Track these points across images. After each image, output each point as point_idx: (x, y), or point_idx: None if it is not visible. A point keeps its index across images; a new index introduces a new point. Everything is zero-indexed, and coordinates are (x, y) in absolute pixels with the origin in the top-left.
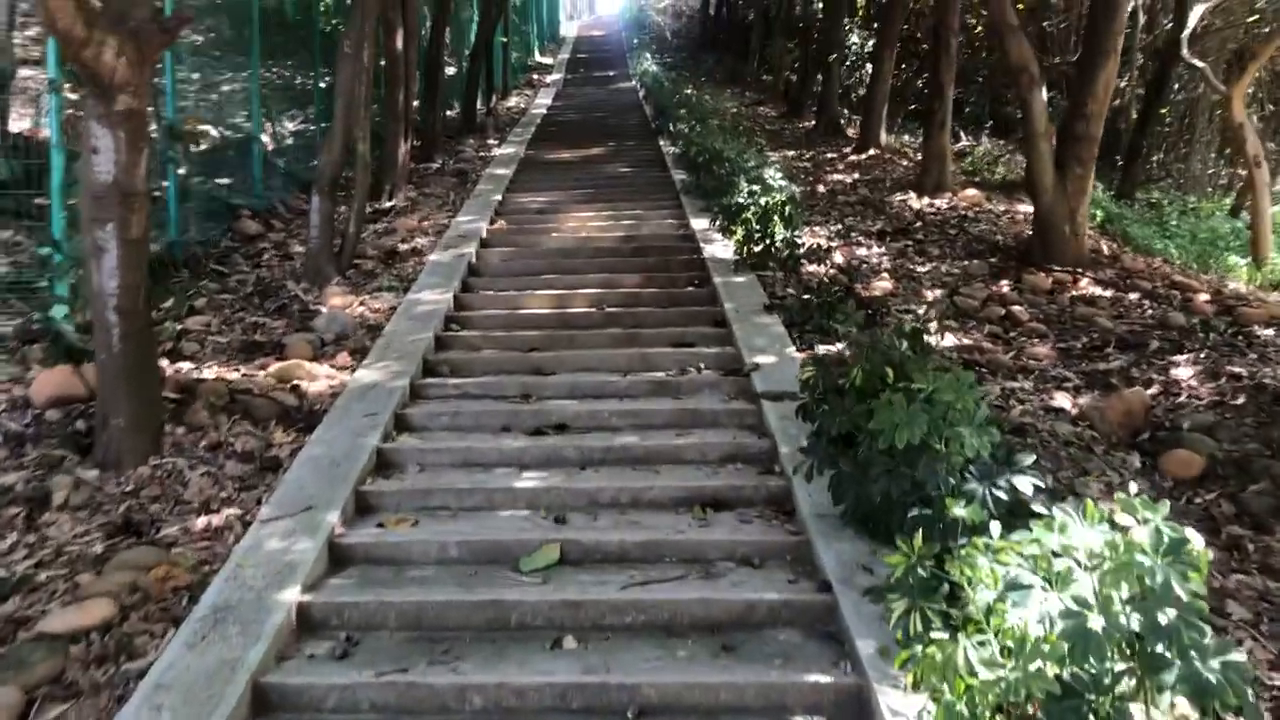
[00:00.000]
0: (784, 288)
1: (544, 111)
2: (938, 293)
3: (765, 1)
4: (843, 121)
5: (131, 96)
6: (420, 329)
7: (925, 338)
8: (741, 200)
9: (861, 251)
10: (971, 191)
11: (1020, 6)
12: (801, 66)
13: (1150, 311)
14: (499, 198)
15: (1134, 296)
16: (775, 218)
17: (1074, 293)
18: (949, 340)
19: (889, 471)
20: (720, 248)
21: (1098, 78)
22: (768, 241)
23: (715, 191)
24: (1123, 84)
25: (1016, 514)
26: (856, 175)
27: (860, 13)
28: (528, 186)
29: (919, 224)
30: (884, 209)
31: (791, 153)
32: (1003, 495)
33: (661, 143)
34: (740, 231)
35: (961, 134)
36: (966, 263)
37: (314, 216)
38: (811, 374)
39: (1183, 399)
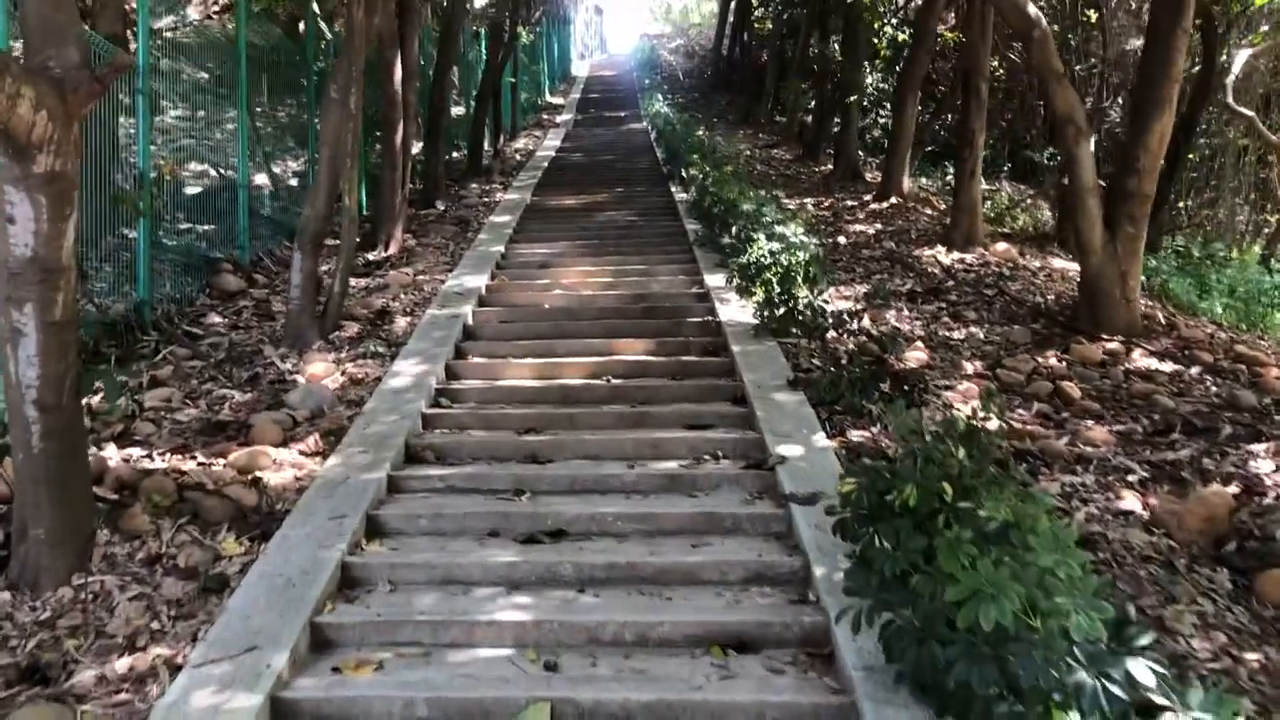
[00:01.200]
0: (809, 357)
1: (552, 154)
2: (978, 364)
3: (780, 43)
4: (861, 166)
5: (54, 156)
6: (405, 404)
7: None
8: (762, 259)
9: (890, 315)
10: (1003, 246)
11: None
12: (817, 109)
13: (1215, 389)
14: (500, 249)
15: (1195, 371)
16: (798, 278)
17: (1128, 365)
18: (994, 424)
19: (968, 654)
20: (737, 309)
21: (1151, 129)
22: (790, 305)
23: (732, 249)
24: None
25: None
26: (879, 226)
27: (882, 54)
28: (531, 236)
29: (951, 282)
30: (912, 265)
31: (809, 200)
32: (1119, 692)
33: (673, 188)
34: (760, 293)
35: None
36: (1007, 328)
37: (295, 275)
38: (852, 487)
39: (1270, 499)
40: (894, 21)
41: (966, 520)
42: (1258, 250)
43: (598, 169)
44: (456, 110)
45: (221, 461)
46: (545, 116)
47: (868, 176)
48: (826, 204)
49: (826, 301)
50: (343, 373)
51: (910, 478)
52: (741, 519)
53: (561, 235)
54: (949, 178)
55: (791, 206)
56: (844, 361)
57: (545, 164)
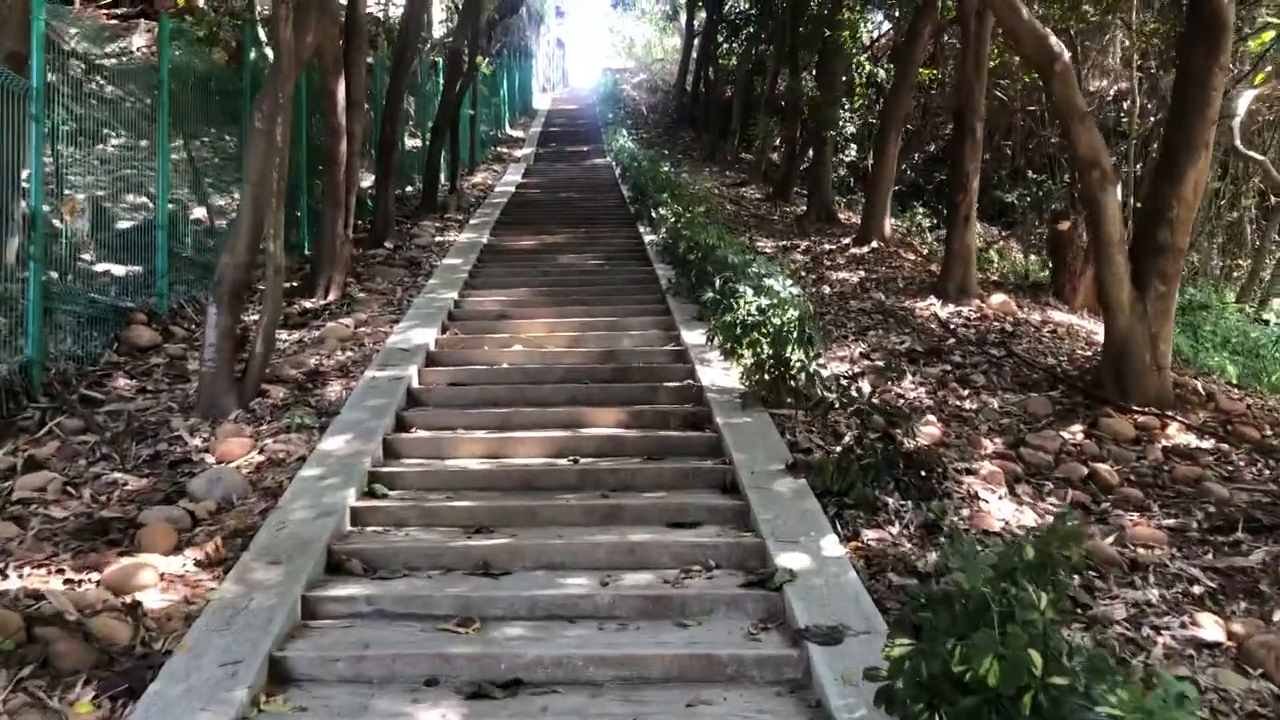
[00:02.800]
0: (806, 431)
1: (512, 190)
2: (997, 442)
3: (748, 78)
4: (834, 207)
5: None
6: (330, 495)
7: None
8: (748, 317)
9: (891, 379)
10: (1000, 298)
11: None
12: (788, 147)
13: (1271, 474)
14: (453, 296)
15: (1243, 450)
16: (791, 340)
17: (1165, 443)
18: (1030, 517)
19: None
20: (720, 371)
21: (1185, 176)
22: (782, 370)
23: (714, 304)
24: (1125, 169)
25: None
26: (863, 273)
27: (860, 90)
28: (488, 282)
29: (951, 340)
30: (906, 320)
31: (784, 243)
32: None
33: (641, 229)
34: (748, 355)
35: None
36: (1023, 397)
37: (210, 333)
38: (905, 652)
39: None
40: (869, 58)
41: (1066, 706)
42: (1231, 297)
43: (560, 207)
44: (413, 143)
45: (95, 578)
46: (505, 150)
47: (841, 217)
48: (803, 248)
49: (823, 366)
50: (261, 450)
51: (990, 648)
52: (746, 663)
53: (521, 281)
54: (919, 219)
55: (768, 250)
56: (847, 438)
57: (504, 201)
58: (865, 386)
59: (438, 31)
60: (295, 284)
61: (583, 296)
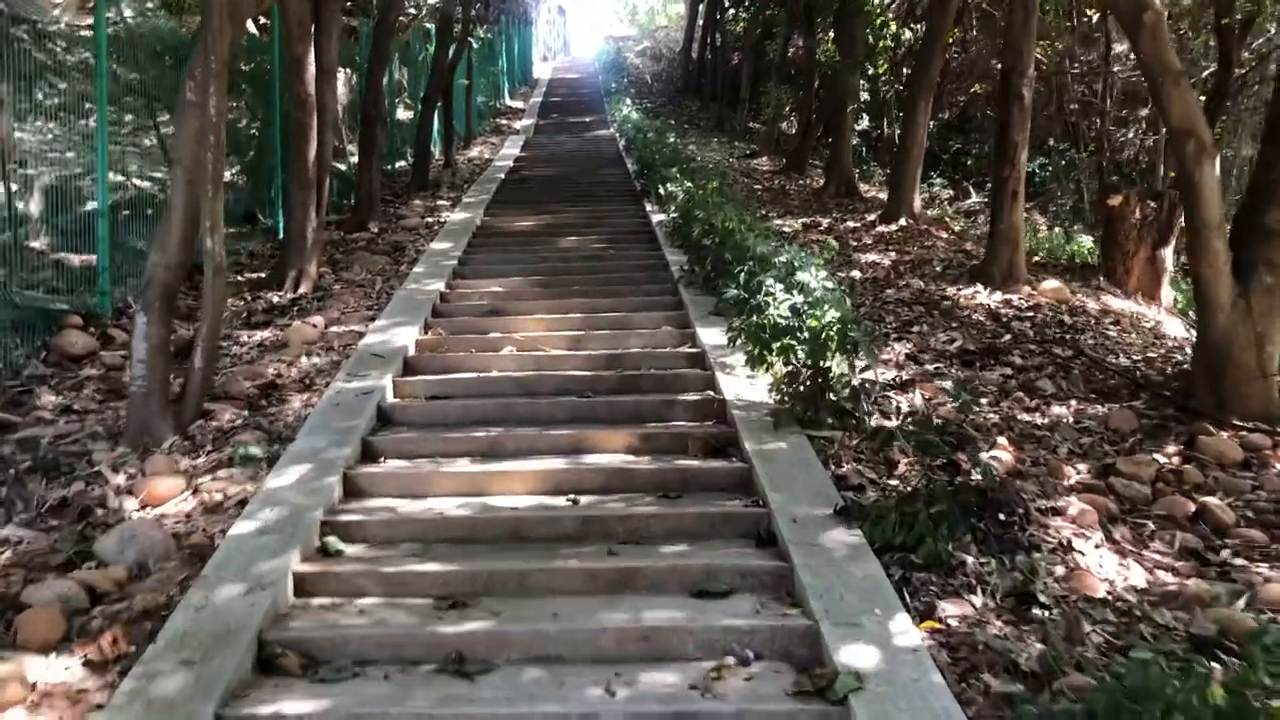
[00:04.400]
0: (852, 459)
1: (510, 164)
2: (1080, 468)
3: (757, 44)
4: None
5: None
6: (270, 557)
7: None
8: (779, 320)
9: (947, 386)
10: (1052, 283)
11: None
12: (803, 116)
13: None
14: (439, 287)
15: None
16: (831, 346)
17: None
18: (1137, 574)
19: None
20: (744, 380)
21: None
22: (820, 382)
23: (738, 304)
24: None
25: None
26: (894, 255)
27: (885, 53)
28: (479, 269)
29: (1007, 335)
30: (952, 313)
31: (803, 220)
32: None
33: (648, 207)
34: (778, 363)
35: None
36: (1101, 409)
37: (137, 346)
38: None
39: None
40: (895, 17)
41: None
42: None
43: (561, 182)
44: (406, 115)
45: None
46: (504, 121)
47: (865, 192)
48: (824, 225)
49: (872, 384)
50: (195, 491)
51: None
52: None
53: (516, 268)
54: (936, 190)
55: (786, 229)
56: (902, 466)
57: (501, 176)
58: (918, 400)
59: None
60: (264, 275)
61: (585, 287)
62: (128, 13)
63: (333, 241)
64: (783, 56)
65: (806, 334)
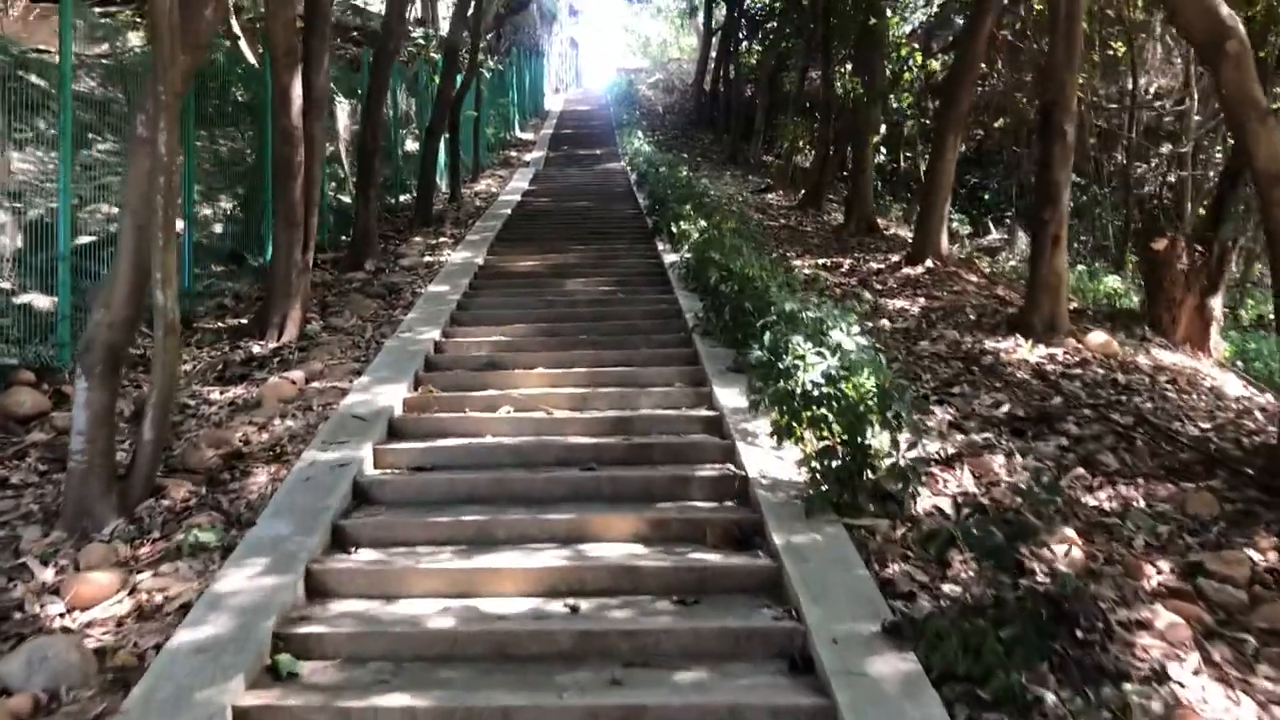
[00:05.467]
0: (899, 556)
1: (517, 199)
2: (1162, 566)
3: (772, 76)
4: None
5: None
6: (208, 685)
7: None
8: (810, 387)
9: (999, 462)
10: (1099, 337)
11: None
12: (820, 150)
13: None
14: (434, 336)
15: None
16: (871, 419)
17: None
18: (1248, 711)
19: None
20: (770, 453)
21: None
22: (859, 460)
23: (763, 367)
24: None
25: None
26: (923, 301)
27: (910, 85)
28: (479, 316)
29: (1057, 397)
30: (994, 370)
31: (822, 260)
32: None
33: (660, 245)
34: (810, 437)
35: (992, 226)
36: (1172, 487)
37: (77, 417)
38: None
39: None
40: (921, 49)
41: None
42: None
43: (569, 218)
44: (414, 147)
45: None
46: (514, 154)
47: (886, 229)
48: (846, 266)
49: (925, 462)
50: (133, 591)
51: None
52: None
53: (517, 314)
54: (954, 227)
55: (805, 270)
56: (955, 566)
57: (507, 211)
58: (968, 479)
59: (445, 29)
60: (245, 321)
61: (591, 336)
62: (134, 42)
63: (325, 283)
64: (799, 88)
65: (843, 403)
